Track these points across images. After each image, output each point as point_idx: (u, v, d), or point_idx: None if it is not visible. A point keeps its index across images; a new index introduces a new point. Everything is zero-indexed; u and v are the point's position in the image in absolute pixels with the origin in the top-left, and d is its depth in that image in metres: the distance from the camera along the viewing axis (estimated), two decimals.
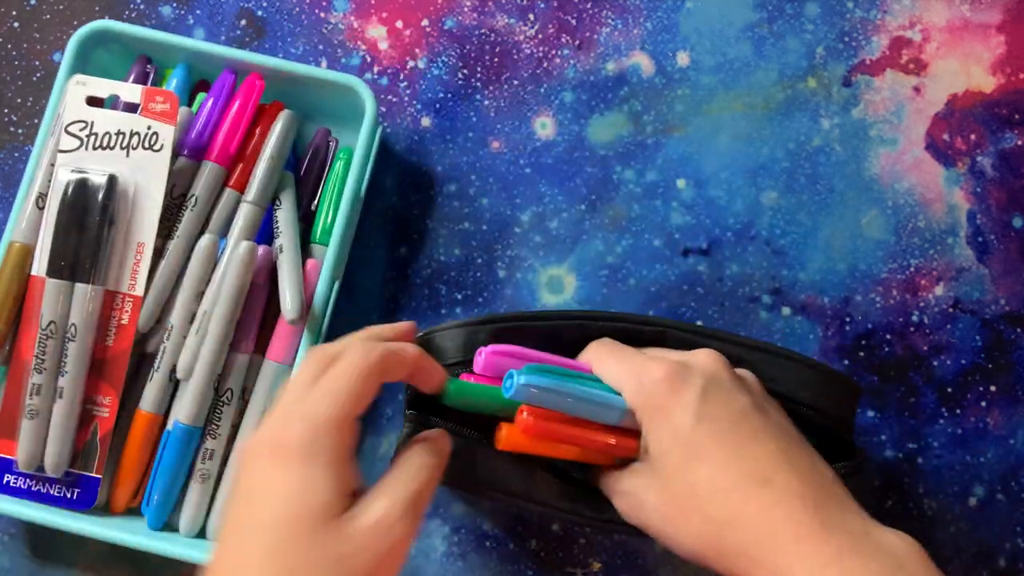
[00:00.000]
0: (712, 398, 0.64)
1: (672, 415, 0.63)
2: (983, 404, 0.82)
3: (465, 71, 0.87)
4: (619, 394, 0.66)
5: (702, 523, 0.62)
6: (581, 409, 0.65)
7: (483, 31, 0.87)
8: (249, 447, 0.60)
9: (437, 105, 0.86)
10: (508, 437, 0.67)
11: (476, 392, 0.67)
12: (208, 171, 0.76)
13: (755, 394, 0.67)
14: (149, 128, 0.74)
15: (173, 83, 0.79)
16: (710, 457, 0.62)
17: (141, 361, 0.77)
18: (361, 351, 0.61)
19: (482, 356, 0.68)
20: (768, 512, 0.60)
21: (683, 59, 0.86)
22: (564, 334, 0.72)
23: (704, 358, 0.66)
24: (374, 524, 0.57)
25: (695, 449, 0.62)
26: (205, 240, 0.75)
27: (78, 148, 0.74)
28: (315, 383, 0.60)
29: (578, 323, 0.72)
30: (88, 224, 0.72)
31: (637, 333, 0.72)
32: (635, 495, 0.66)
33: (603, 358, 0.68)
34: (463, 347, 0.70)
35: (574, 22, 0.87)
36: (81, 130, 0.74)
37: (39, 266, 0.73)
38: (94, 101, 0.75)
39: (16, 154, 0.85)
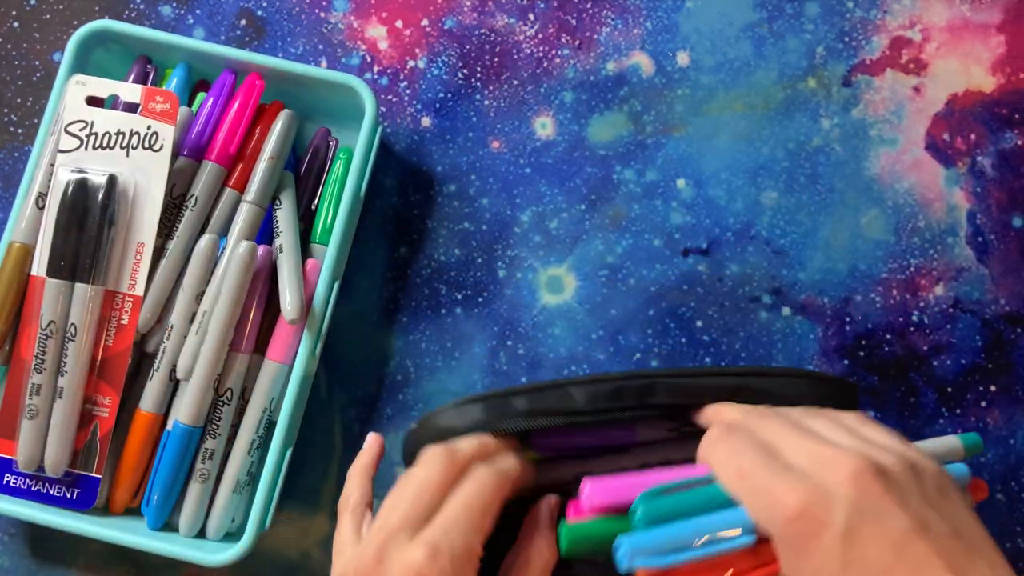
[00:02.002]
0: (859, 536, 0.50)
1: (813, 561, 0.51)
2: (983, 404, 0.82)
3: (465, 71, 0.87)
4: None
5: None
6: (710, 552, 0.55)
7: (483, 31, 0.87)
8: (371, 569, 0.57)
9: (437, 105, 0.86)
10: None
11: (597, 533, 0.59)
12: (208, 171, 0.76)
13: (915, 503, 0.51)
14: (149, 128, 0.74)
15: (173, 83, 0.79)
16: None
17: (141, 361, 0.77)
18: (487, 478, 0.60)
19: (586, 490, 0.59)
20: None
21: (683, 59, 0.86)
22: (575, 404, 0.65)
23: (846, 476, 0.51)
24: None
25: None
26: (205, 240, 0.75)
27: (78, 148, 0.74)
28: (447, 504, 0.58)
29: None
30: (88, 224, 0.72)
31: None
32: None
33: (722, 469, 0.56)
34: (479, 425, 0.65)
35: (574, 22, 0.87)
36: (81, 130, 0.74)
37: (39, 266, 0.73)
38: (94, 101, 0.75)
39: (16, 154, 0.85)
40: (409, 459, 0.66)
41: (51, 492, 0.75)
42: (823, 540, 0.50)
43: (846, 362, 0.82)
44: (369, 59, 0.87)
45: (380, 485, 0.66)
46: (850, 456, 0.52)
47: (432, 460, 0.60)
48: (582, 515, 0.59)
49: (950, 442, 0.64)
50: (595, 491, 0.59)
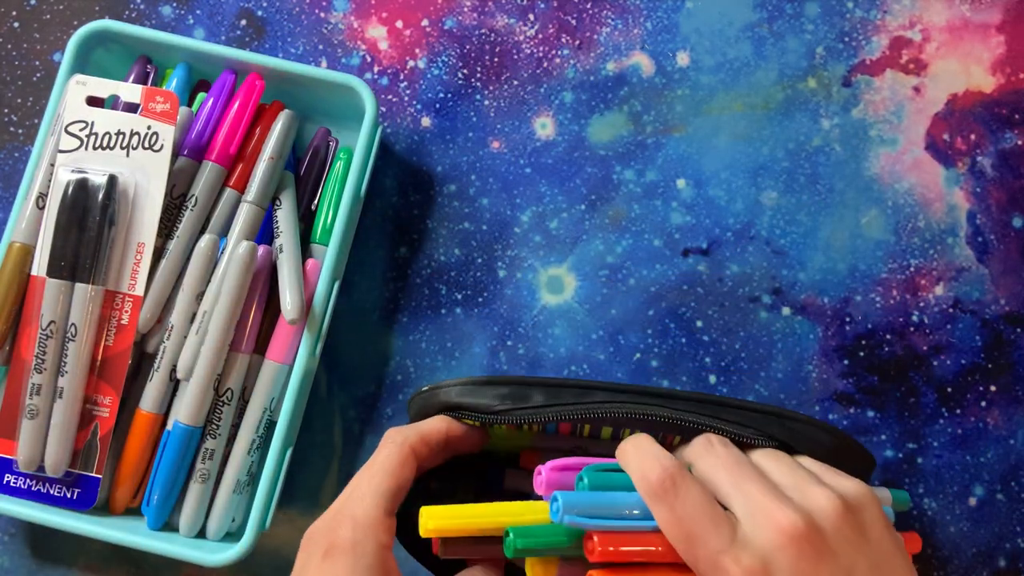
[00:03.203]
0: None
1: None
2: (983, 404, 0.82)
3: (465, 71, 0.87)
4: None
5: None
6: (641, 525, 0.58)
7: (483, 31, 0.87)
8: (307, 543, 0.61)
9: (437, 105, 0.86)
10: None
11: (542, 533, 0.59)
12: (208, 171, 0.76)
13: (845, 558, 0.55)
14: (149, 128, 0.74)
15: (173, 83, 0.79)
16: None
17: (141, 361, 0.77)
18: (392, 444, 0.63)
19: (542, 475, 0.61)
20: None
21: (683, 59, 0.86)
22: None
23: (785, 539, 0.54)
24: None
25: None
26: (205, 240, 0.75)
27: (78, 148, 0.74)
28: (359, 474, 0.63)
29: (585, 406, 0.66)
30: (88, 224, 0.72)
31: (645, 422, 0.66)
32: None
33: (669, 529, 0.56)
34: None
35: (574, 22, 0.87)
36: (81, 130, 0.74)
37: (39, 266, 0.73)
38: (94, 101, 0.75)
39: (16, 154, 0.85)
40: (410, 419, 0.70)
41: (51, 492, 0.75)
42: None
43: (846, 362, 0.82)
44: (369, 59, 0.87)
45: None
46: (787, 515, 0.55)
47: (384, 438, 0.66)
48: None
49: (881, 493, 0.67)
50: (551, 474, 0.61)
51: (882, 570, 0.56)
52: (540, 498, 0.62)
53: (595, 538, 0.57)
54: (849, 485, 0.59)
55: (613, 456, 0.63)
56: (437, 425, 0.65)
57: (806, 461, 0.62)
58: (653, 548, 0.57)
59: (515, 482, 0.74)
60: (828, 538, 0.55)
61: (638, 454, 0.59)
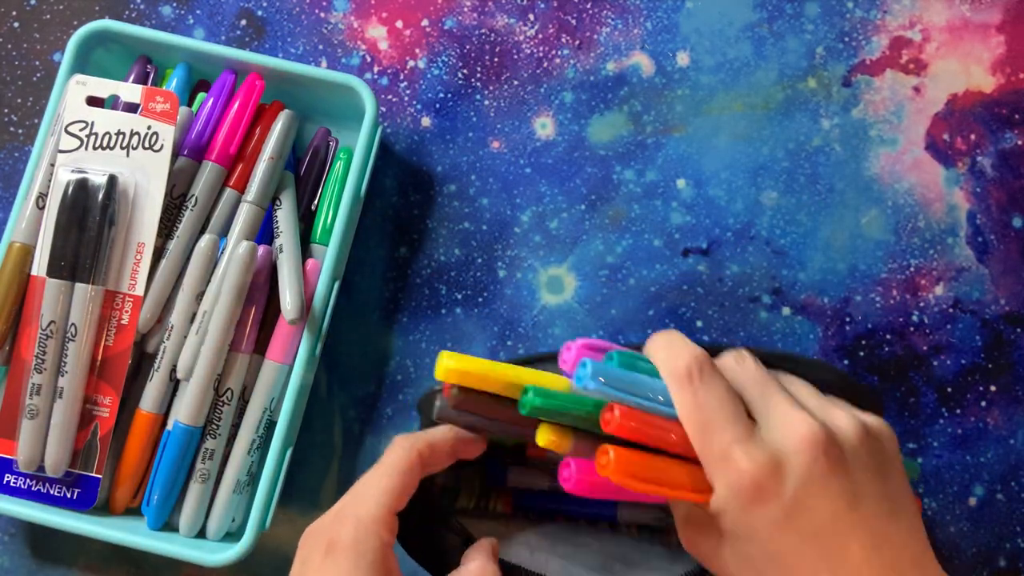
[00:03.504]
0: (802, 505, 0.54)
1: (754, 521, 0.55)
2: (983, 404, 0.82)
3: (465, 71, 0.87)
4: None
5: None
6: (662, 410, 0.57)
7: (483, 31, 0.87)
8: (307, 540, 0.62)
9: (437, 105, 0.86)
10: (618, 459, 0.56)
11: (562, 398, 0.58)
12: (208, 171, 0.76)
13: (859, 476, 0.56)
14: (149, 128, 0.74)
15: (173, 83, 0.79)
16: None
17: (141, 361, 0.77)
18: (400, 448, 0.64)
19: (571, 351, 0.60)
20: None
21: (683, 59, 0.86)
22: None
23: (803, 443, 0.55)
24: None
25: (778, 560, 0.55)
26: (205, 240, 0.75)
27: (78, 148, 0.74)
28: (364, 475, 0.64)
29: None
30: (88, 224, 0.72)
31: None
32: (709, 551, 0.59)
33: (687, 416, 0.57)
34: None
35: (574, 22, 0.87)
36: (81, 130, 0.74)
37: (39, 266, 0.73)
38: (94, 101, 0.75)
39: (16, 154, 0.86)
40: (424, 419, 0.69)
41: (51, 492, 0.75)
42: (769, 507, 0.54)
43: (846, 362, 0.82)
44: (369, 59, 0.87)
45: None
46: (809, 424, 0.55)
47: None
48: None
49: None
50: (581, 350, 0.60)
51: (890, 503, 0.56)
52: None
53: (616, 410, 0.56)
54: (872, 418, 0.59)
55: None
56: (445, 434, 0.65)
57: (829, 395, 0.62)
58: (669, 435, 0.57)
59: (518, 479, 0.74)
60: (845, 454, 0.55)
61: (668, 342, 0.59)
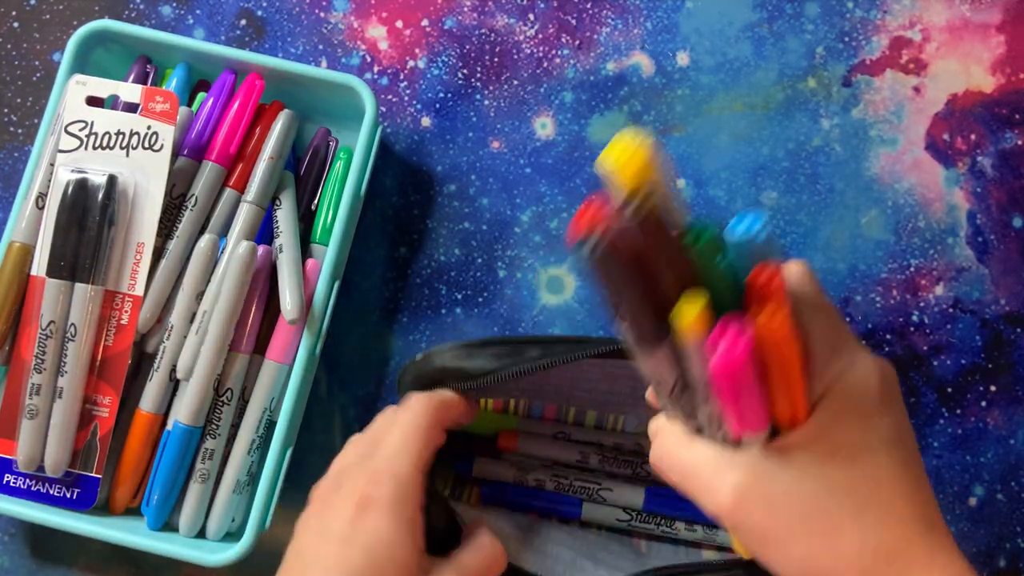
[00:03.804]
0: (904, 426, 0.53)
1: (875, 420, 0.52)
2: (983, 404, 0.82)
3: (465, 71, 0.87)
4: None
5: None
6: None
7: (483, 31, 0.87)
8: (327, 498, 0.63)
9: (437, 105, 0.86)
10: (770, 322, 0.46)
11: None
12: (208, 171, 0.76)
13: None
14: (149, 128, 0.74)
15: (173, 83, 0.79)
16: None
17: (141, 361, 0.77)
18: (419, 405, 0.65)
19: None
20: None
21: (683, 59, 0.86)
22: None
23: (877, 369, 0.53)
24: None
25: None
26: (205, 240, 0.75)
27: (78, 148, 0.74)
28: (387, 435, 0.64)
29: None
30: (88, 224, 0.72)
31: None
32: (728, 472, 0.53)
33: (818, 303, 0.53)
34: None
35: (574, 22, 0.87)
36: (81, 130, 0.74)
37: (39, 266, 0.73)
38: (94, 101, 0.75)
39: (16, 154, 0.86)
40: (401, 391, 0.71)
41: (51, 492, 0.75)
42: (883, 419, 0.52)
43: None
44: (369, 59, 0.87)
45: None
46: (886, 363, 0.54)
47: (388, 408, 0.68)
48: None
49: None
50: None
51: (902, 439, 0.53)
52: None
53: (786, 268, 0.50)
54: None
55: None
56: (453, 396, 0.68)
57: None
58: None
59: (484, 469, 0.77)
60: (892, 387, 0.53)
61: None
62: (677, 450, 0.55)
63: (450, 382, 0.68)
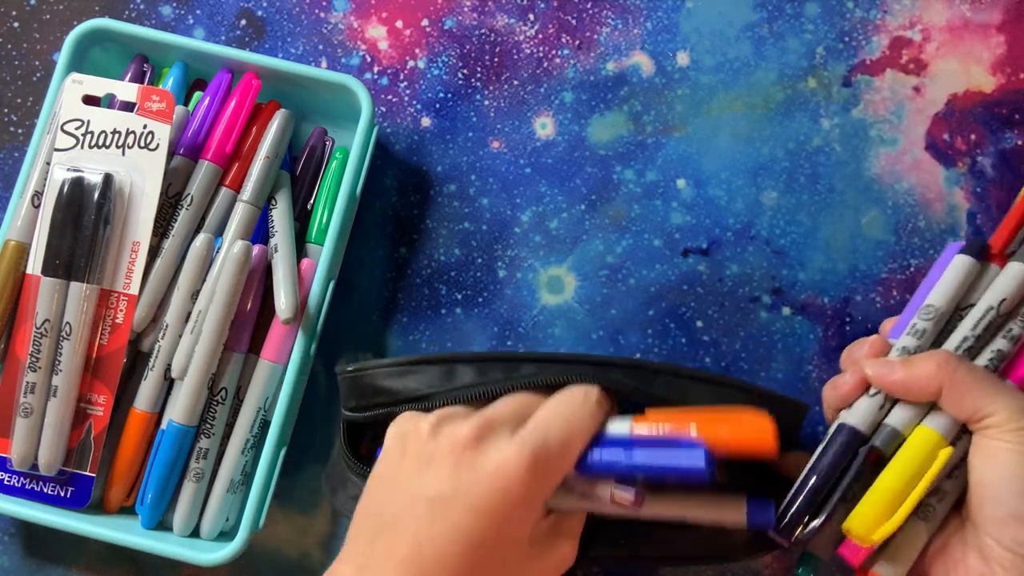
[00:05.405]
0: None
1: None
2: None
3: (465, 71, 0.87)
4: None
5: None
6: None
7: (483, 31, 0.87)
8: (516, 455, 0.58)
9: (437, 105, 0.86)
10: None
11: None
12: (204, 170, 0.76)
13: None
14: (145, 127, 0.74)
15: (169, 82, 0.79)
16: None
17: (136, 360, 0.77)
18: (598, 408, 0.62)
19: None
20: None
21: (683, 59, 0.86)
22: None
23: None
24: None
25: None
26: (200, 239, 0.75)
27: (74, 147, 0.74)
28: (546, 413, 0.61)
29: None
30: (83, 223, 0.72)
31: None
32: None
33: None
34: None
35: (574, 22, 0.87)
36: (77, 129, 0.74)
37: (34, 264, 0.73)
38: (90, 100, 0.75)
39: (16, 154, 0.86)
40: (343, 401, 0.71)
41: (45, 490, 0.75)
42: None
43: None
44: (369, 59, 0.87)
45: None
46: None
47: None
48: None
49: None
50: None
51: None
52: None
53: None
54: None
55: None
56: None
57: None
58: None
59: None
60: None
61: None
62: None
63: (385, 402, 0.68)
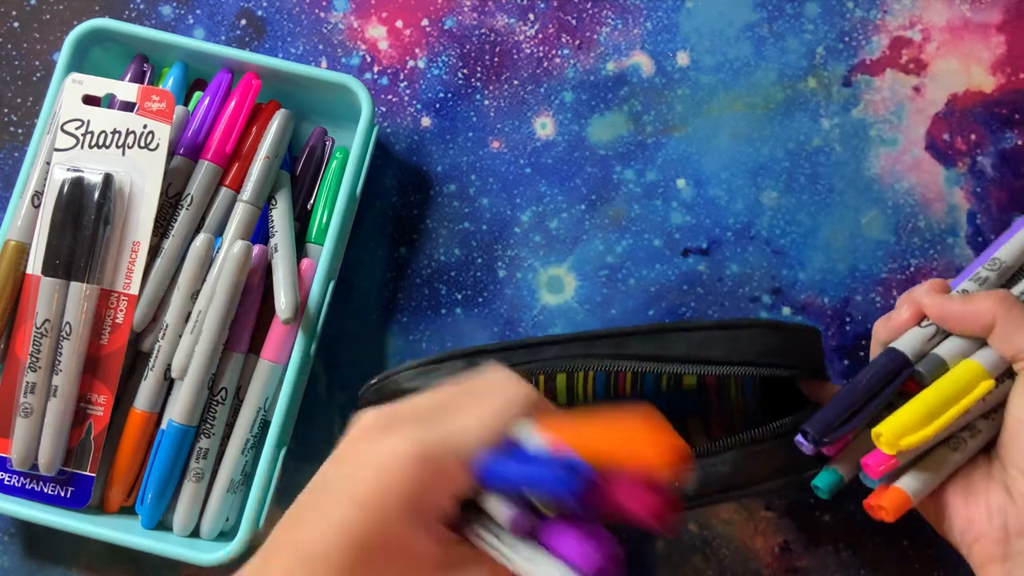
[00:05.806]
0: None
1: None
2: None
3: (465, 71, 0.87)
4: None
5: None
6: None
7: (483, 31, 0.87)
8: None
9: (437, 105, 0.86)
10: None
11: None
12: (204, 170, 0.76)
13: None
14: (145, 127, 0.74)
15: (169, 82, 0.79)
16: None
17: (136, 360, 0.77)
18: (525, 395, 0.56)
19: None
20: None
21: (683, 59, 0.86)
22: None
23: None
24: None
25: None
26: (200, 239, 0.75)
27: (74, 147, 0.74)
28: (461, 408, 0.56)
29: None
30: (83, 223, 0.72)
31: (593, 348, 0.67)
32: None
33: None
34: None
35: (574, 22, 0.87)
36: (77, 129, 0.74)
37: (34, 264, 0.73)
38: (90, 100, 0.75)
39: (16, 154, 0.86)
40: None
41: (45, 490, 0.75)
42: None
43: (846, 362, 0.82)
44: (369, 59, 0.87)
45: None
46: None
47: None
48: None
49: None
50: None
51: None
52: None
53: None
54: None
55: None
56: (547, 402, 0.58)
57: None
58: None
59: None
60: None
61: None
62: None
63: None
